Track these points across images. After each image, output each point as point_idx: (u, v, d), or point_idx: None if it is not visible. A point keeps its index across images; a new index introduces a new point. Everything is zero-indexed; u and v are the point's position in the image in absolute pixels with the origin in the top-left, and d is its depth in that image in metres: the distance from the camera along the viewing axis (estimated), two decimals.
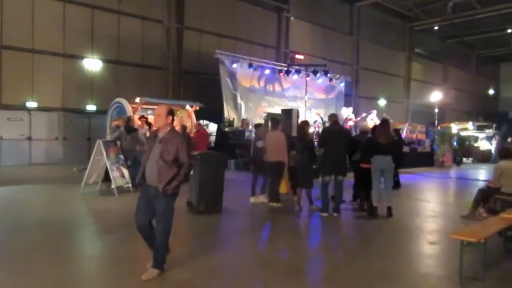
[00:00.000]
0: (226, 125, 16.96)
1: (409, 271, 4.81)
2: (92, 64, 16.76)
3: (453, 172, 17.28)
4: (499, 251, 5.43)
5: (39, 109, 15.52)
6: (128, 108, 13.08)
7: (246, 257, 5.14)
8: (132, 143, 9.81)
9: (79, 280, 4.22)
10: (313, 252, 5.68)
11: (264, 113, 17.04)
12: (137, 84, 17.60)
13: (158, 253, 4.21)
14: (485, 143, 23.59)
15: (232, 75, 17.97)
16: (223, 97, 17.47)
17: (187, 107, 15.43)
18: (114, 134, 10.19)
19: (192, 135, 12.58)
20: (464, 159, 21.69)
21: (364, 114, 17.82)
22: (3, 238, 5.63)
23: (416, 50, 31.44)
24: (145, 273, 4.13)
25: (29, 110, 15.29)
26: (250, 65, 18.24)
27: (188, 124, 14.03)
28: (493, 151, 22.28)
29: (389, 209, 7.44)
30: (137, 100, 13.43)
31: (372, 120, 16.60)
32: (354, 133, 13.19)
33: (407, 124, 21.95)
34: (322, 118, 16.87)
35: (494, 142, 23.29)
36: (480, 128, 25.44)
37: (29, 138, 15.27)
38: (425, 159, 18.28)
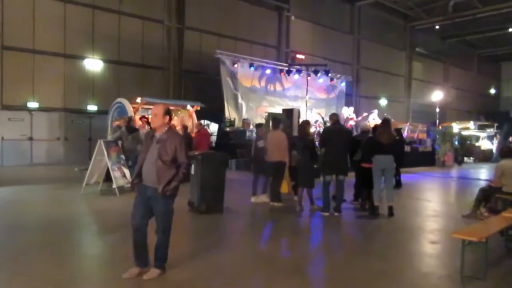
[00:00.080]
0: (227, 125, 16.96)
1: (410, 270, 4.81)
2: (93, 64, 16.78)
3: (454, 171, 17.26)
4: (501, 250, 5.41)
5: (40, 109, 15.55)
6: (129, 108, 13.09)
7: (247, 257, 5.14)
8: (133, 143, 9.83)
9: (79, 280, 4.22)
10: (314, 252, 5.68)
11: (265, 113, 17.03)
12: (138, 84, 17.62)
13: (160, 253, 4.20)
14: (487, 143, 23.56)
15: (233, 75, 17.97)
16: (224, 97, 17.47)
17: (188, 107, 15.44)
18: (115, 134, 10.21)
19: (193, 135, 12.60)
20: (465, 159, 21.67)
21: (365, 114, 17.81)
22: (4, 238, 5.64)
23: (417, 49, 31.39)
24: (147, 273, 4.14)
25: (30, 110, 15.31)
26: (251, 65, 18.25)
27: (189, 124, 14.06)
28: (494, 151, 22.27)
29: (390, 208, 7.43)
30: (138, 100, 13.45)
31: (374, 119, 16.59)
32: (355, 133, 13.18)
33: (408, 123, 21.92)
34: (323, 118, 16.88)
35: (495, 141, 23.28)
36: (481, 128, 25.41)
37: (30, 139, 15.29)
38: (426, 159, 18.26)
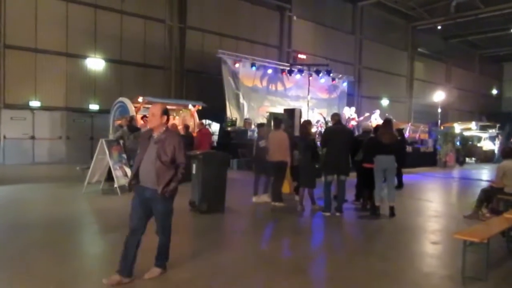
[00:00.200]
0: (229, 124, 16.96)
1: (411, 270, 4.80)
2: (95, 63, 16.81)
3: (456, 172, 17.23)
4: (502, 251, 5.41)
5: (42, 108, 15.59)
6: (131, 108, 13.11)
7: (249, 257, 5.14)
8: (135, 142, 9.80)
9: (81, 279, 4.23)
10: (315, 252, 5.68)
11: (267, 112, 16.97)
12: (139, 83, 17.64)
13: (161, 253, 4.21)
14: (488, 143, 23.50)
15: (235, 75, 17.97)
16: (225, 97, 17.46)
17: (190, 106, 15.45)
18: (117, 133, 10.23)
19: (194, 134, 12.61)
20: (467, 159, 21.64)
21: (367, 114, 17.79)
22: (6, 236, 5.66)
23: (419, 49, 31.36)
24: (148, 272, 4.14)
25: (32, 109, 15.35)
26: (253, 65, 18.25)
27: (190, 123, 14.06)
28: (496, 151, 22.23)
29: (392, 208, 7.42)
30: (140, 99, 13.47)
31: (376, 119, 16.57)
32: (356, 133, 13.17)
33: (410, 124, 21.89)
34: (324, 118, 16.87)
35: (497, 142, 23.23)
36: (483, 128, 25.36)
37: (32, 137, 15.34)
38: (428, 159, 18.23)
